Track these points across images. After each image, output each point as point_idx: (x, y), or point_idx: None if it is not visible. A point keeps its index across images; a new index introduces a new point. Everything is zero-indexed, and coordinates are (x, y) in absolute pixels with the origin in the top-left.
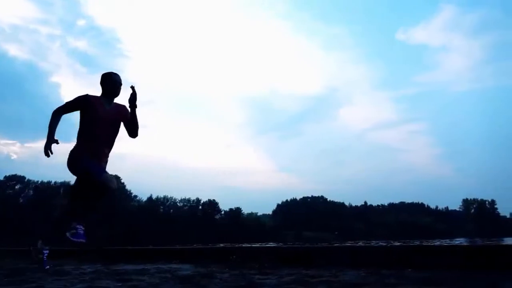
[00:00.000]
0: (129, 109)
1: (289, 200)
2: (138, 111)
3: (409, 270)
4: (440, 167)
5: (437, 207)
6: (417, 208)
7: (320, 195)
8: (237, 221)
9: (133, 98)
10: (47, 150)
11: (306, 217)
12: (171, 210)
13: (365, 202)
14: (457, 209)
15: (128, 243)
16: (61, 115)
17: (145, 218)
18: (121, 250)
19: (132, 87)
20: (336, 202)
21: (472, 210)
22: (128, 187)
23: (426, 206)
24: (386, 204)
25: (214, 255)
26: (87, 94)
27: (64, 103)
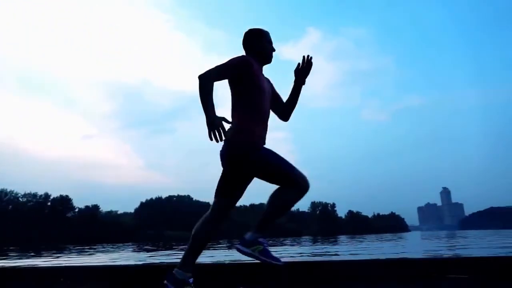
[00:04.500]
0: (293, 84)
1: (154, 198)
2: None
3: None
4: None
5: None
6: None
7: (186, 194)
8: (93, 219)
9: (307, 72)
10: (215, 131)
11: (170, 216)
12: (10, 206)
13: None
14: (306, 210)
15: None
16: (213, 82)
17: None
18: None
19: (310, 57)
20: (202, 202)
21: (318, 212)
22: None
23: None
24: (247, 204)
25: (35, 276)
26: (247, 55)
27: (217, 65)
